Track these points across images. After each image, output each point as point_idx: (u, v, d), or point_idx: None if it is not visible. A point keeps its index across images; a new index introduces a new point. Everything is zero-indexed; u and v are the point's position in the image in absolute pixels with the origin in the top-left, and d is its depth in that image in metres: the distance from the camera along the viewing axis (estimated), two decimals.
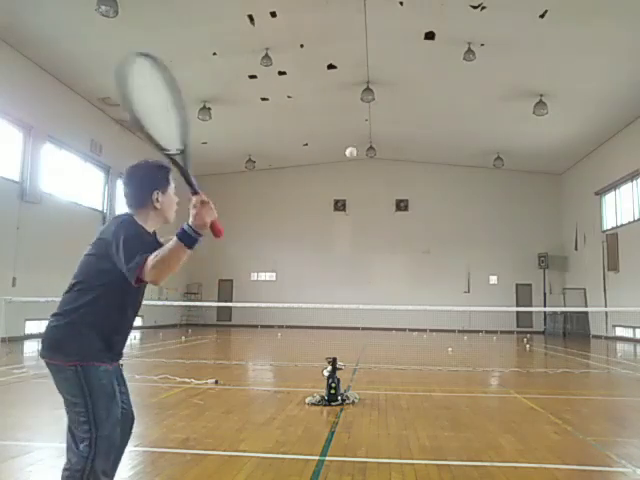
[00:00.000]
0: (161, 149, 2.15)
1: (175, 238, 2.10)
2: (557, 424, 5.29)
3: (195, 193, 2.13)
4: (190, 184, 2.18)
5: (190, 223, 2.08)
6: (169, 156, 2.19)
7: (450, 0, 13.06)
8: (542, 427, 5.17)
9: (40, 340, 2.42)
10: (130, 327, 2.51)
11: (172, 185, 2.53)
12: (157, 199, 2.44)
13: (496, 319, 22.40)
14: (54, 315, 2.36)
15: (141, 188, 2.46)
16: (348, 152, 7.55)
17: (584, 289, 23.42)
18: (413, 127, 22.00)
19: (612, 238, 21.05)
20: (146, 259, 2.12)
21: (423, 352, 13.25)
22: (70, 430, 2.35)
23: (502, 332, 23.24)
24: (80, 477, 2.23)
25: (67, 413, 2.38)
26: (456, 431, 4.94)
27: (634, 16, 13.02)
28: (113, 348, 2.40)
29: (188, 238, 2.08)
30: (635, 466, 3.90)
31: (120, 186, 19.43)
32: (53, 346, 2.33)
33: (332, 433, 4.79)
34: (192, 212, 2.10)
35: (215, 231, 2.13)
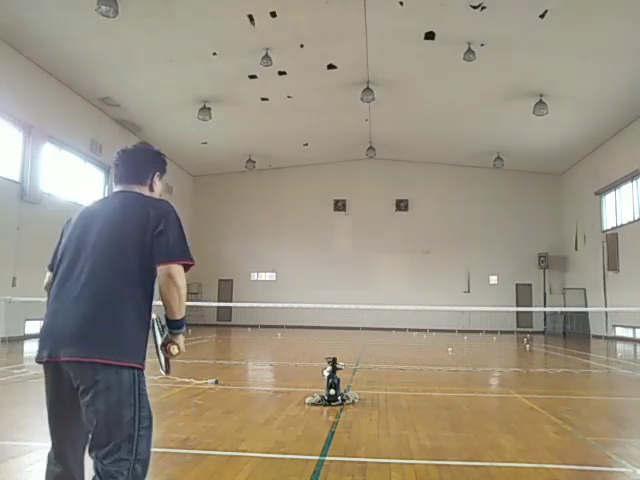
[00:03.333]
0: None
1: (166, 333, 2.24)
2: (557, 424, 5.29)
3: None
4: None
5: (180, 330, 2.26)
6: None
7: (450, 0, 13.05)
8: (542, 427, 5.17)
9: (66, 335, 2.05)
10: None
11: (164, 177, 2.58)
12: (155, 181, 2.48)
13: (496, 319, 22.40)
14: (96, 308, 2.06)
15: (146, 165, 2.47)
16: None
17: (584, 289, 23.42)
18: (413, 127, 21.99)
19: (612, 238, 21.05)
20: (192, 262, 2.27)
21: (423, 352, 13.25)
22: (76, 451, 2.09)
23: (502, 332, 23.24)
24: None
25: (92, 431, 2.02)
26: (456, 431, 4.94)
27: (634, 16, 13.01)
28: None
29: (182, 323, 2.24)
30: (635, 466, 3.90)
31: None
32: (105, 342, 2.02)
33: (332, 433, 4.79)
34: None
35: (170, 349, 2.25)
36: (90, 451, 2.06)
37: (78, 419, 2.09)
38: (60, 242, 2.37)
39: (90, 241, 2.19)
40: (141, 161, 2.46)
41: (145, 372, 2.13)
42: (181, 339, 2.25)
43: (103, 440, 2.00)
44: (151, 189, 2.46)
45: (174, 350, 2.22)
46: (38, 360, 2.11)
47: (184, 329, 2.24)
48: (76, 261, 2.18)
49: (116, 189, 2.44)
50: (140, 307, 2.13)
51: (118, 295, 2.08)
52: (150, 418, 2.09)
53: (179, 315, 2.18)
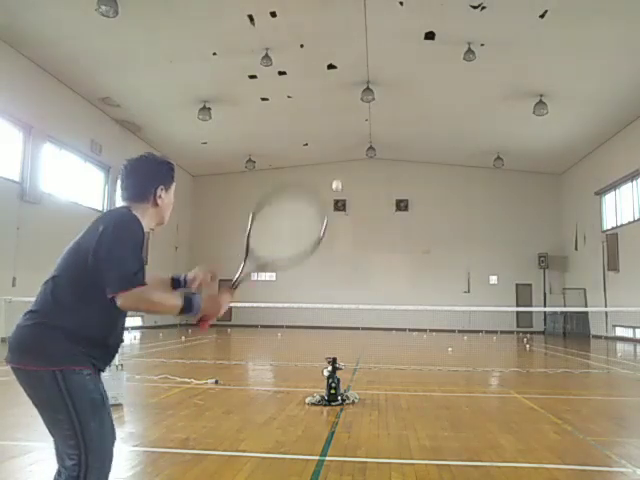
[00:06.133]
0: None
1: (179, 300, 2.08)
2: (557, 424, 5.29)
3: (233, 288, 2.30)
4: (238, 283, 2.35)
5: (201, 302, 2.15)
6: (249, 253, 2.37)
7: (450, 0, 13.06)
8: (542, 427, 5.17)
9: (9, 341, 2.14)
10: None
11: (174, 185, 2.40)
12: (160, 195, 2.31)
13: (496, 319, 22.40)
14: (28, 312, 2.13)
15: (146, 180, 2.30)
16: (334, 186, 7.26)
17: (584, 289, 23.42)
18: (413, 127, 21.99)
19: (612, 238, 21.05)
20: (141, 286, 1.98)
21: (423, 352, 13.25)
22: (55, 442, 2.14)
23: (502, 332, 23.24)
24: None
25: (47, 427, 2.12)
26: (456, 431, 4.94)
27: (634, 16, 13.01)
28: (98, 353, 2.14)
29: (189, 310, 2.11)
30: (635, 466, 3.90)
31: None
32: (23, 348, 2.10)
33: (332, 433, 4.79)
34: (213, 302, 2.22)
35: (203, 323, 2.23)
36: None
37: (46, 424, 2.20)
38: None
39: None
40: (141, 176, 2.31)
41: (78, 370, 2.08)
42: (210, 302, 2.22)
43: (59, 444, 2.13)
44: (155, 204, 2.30)
45: (207, 328, 2.27)
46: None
47: (196, 306, 2.13)
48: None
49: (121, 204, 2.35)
50: (70, 314, 2.09)
51: (48, 303, 2.12)
52: (95, 407, 2.08)
53: (175, 312, 2.09)
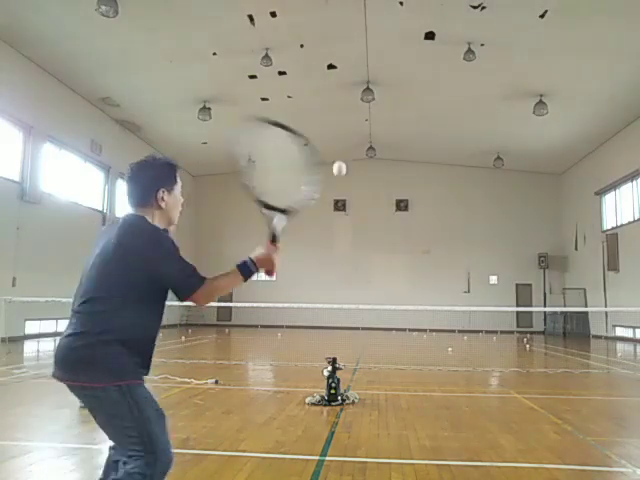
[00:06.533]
0: (266, 205, 2.42)
1: (236, 270, 2.29)
2: (557, 424, 5.29)
3: (274, 242, 2.43)
4: (275, 236, 2.46)
5: (254, 260, 2.35)
6: (271, 208, 2.43)
7: (450, 0, 13.06)
8: (542, 427, 5.17)
9: (59, 361, 2.17)
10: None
11: (179, 184, 2.42)
12: (162, 198, 2.33)
13: (496, 319, 22.39)
14: (76, 334, 2.14)
15: (146, 185, 2.33)
16: (335, 170, 6.82)
17: (584, 289, 23.42)
18: (413, 127, 21.99)
19: (612, 238, 21.05)
20: (204, 281, 2.18)
21: (423, 352, 13.24)
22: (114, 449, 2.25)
23: (502, 332, 23.24)
24: None
25: (110, 436, 2.22)
26: (456, 431, 4.94)
27: (634, 16, 13.01)
28: (146, 362, 2.27)
29: (249, 272, 2.33)
30: (635, 466, 3.90)
31: (120, 186, 19.45)
32: (84, 367, 2.13)
33: (332, 433, 4.79)
34: (263, 256, 2.39)
35: (269, 274, 2.49)
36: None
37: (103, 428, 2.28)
38: None
39: (89, 267, 2.25)
40: (141, 181, 2.34)
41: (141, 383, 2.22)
42: (262, 260, 2.41)
43: (118, 445, 2.21)
44: (159, 207, 2.33)
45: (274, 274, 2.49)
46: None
47: (252, 267, 2.35)
48: (80, 284, 2.26)
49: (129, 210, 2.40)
50: (119, 328, 2.16)
51: (97, 318, 2.15)
52: (158, 417, 2.24)
53: (242, 283, 2.32)
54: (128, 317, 2.15)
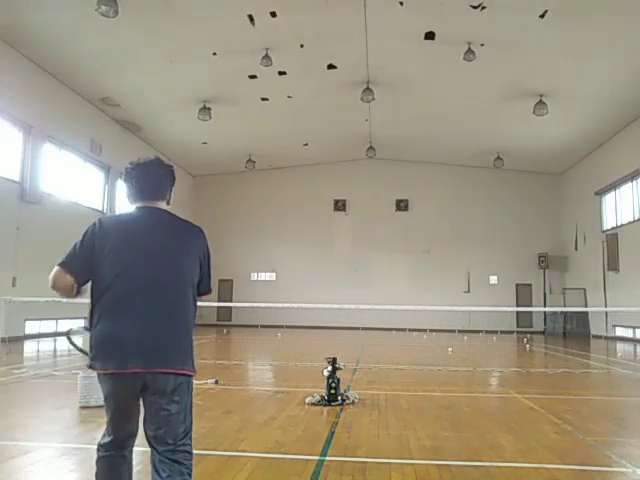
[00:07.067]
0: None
1: None
2: (557, 424, 5.29)
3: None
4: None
5: None
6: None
7: (450, 0, 13.05)
8: (542, 427, 5.17)
9: (140, 348, 2.25)
10: None
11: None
12: (171, 195, 2.62)
13: (496, 319, 22.38)
14: (169, 321, 2.32)
15: (165, 179, 2.57)
16: None
17: (584, 289, 23.41)
18: (413, 127, 21.99)
19: (612, 238, 21.05)
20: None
21: (423, 352, 13.25)
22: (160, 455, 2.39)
23: (502, 332, 23.23)
24: None
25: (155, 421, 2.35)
26: (456, 431, 4.94)
27: (634, 16, 13.00)
28: None
29: None
30: (635, 466, 3.91)
31: (120, 186, 19.45)
32: (184, 355, 2.36)
33: (332, 433, 4.79)
34: None
35: None
36: (159, 445, 2.36)
37: (137, 417, 2.44)
38: (82, 244, 2.45)
39: (152, 257, 2.35)
40: (160, 176, 2.55)
41: None
42: None
43: (171, 437, 2.37)
44: (168, 203, 2.59)
45: None
46: (103, 370, 2.29)
47: None
48: (137, 278, 2.30)
49: (140, 204, 2.51)
50: (193, 323, 2.45)
51: (183, 312, 2.36)
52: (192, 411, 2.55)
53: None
54: (192, 306, 2.56)
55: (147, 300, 2.27)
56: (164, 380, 2.28)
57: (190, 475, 2.42)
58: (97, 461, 2.43)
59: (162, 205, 2.54)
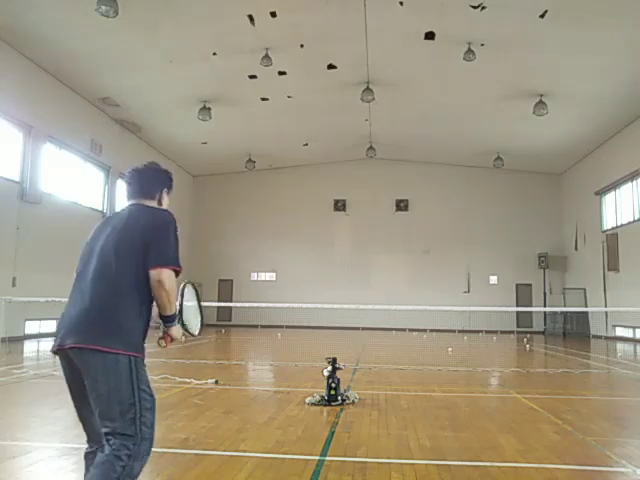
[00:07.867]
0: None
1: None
2: (557, 424, 5.29)
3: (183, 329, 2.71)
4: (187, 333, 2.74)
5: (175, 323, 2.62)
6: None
7: (450, 0, 13.06)
8: (542, 427, 5.17)
9: (71, 326, 2.37)
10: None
11: (172, 192, 2.91)
12: (163, 196, 2.82)
13: (496, 319, 22.40)
14: (95, 302, 2.37)
15: (156, 181, 2.81)
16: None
17: (584, 289, 23.41)
18: (413, 127, 21.99)
19: (612, 238, 21.05)
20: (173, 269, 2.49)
21: (423, 352, 13.25)
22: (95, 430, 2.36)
23: (502, 332, 23.24)
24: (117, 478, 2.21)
25: (97, 408, 2.31)
26: (456, 431, 4.94)
27: (634, 16, 13.01)
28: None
29: (173, 320, 2.59)
30: (635, 466, 3.90)
31: (120, 186, 19.45)
32: (111, 333, 2.33)
33: (332, 433, 4.79)
34: (178, 329, 2.63)
35: (169, 339, 2.65)
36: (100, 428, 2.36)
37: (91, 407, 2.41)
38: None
39: (99, 245, 2.53)
40: (150, 178, 2.79)
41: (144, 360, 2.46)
42: (175, 330, 2.60)
43: (107, 420, 2.29)
44: (160, 203, 2.79)
45: (162, 343, 2.63)
46: (51, 350, 2.47)
47: (175, 322, 2.58)
48: (88, 263, 2.52)
49: (128, 203, 2.77)
50: (138, 304, 2.44)
51: (119, 293, 2.40)
52: (152, 401, 2.40)
53: (169, 312, 2.52)
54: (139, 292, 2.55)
55: (84, 283, 2.45)
56: (89, 358, 2.31)
57: (120, 459, 2.24)
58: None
59: (149, 203, 2.72)
